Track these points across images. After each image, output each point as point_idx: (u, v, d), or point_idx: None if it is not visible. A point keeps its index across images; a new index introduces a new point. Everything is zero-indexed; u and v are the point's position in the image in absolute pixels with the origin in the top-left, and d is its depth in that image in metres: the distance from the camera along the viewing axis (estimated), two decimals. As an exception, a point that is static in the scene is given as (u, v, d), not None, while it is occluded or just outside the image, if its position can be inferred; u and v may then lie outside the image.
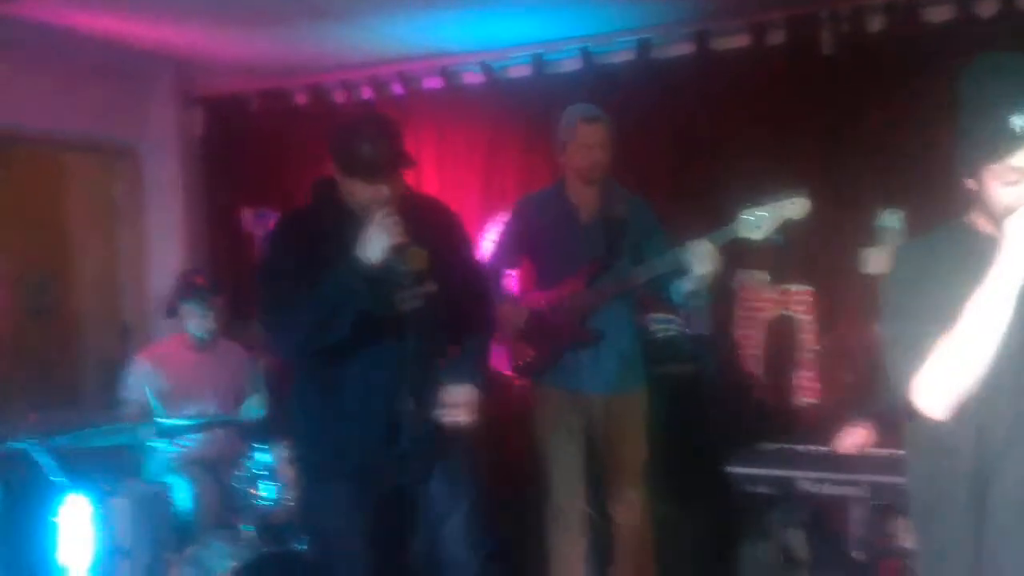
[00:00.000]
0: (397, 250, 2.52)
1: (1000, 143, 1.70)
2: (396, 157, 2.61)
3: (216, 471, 3.84)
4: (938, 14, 4.02)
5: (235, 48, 4.81)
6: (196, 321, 4.09)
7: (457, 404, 2.67)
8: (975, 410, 1.74)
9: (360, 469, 2.69)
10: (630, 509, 3.51)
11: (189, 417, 3.82)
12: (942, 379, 1.72)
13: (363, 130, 2.63)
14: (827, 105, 4.16)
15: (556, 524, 3.53)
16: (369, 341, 2.61)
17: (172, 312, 4.19)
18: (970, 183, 1.81)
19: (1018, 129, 1.67)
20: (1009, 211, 1.70)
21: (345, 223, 2.59)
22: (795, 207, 3.10)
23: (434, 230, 2.71)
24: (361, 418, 2.66)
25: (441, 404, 2.67)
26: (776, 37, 4.29)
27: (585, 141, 3.48)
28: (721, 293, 4.24)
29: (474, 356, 2.85)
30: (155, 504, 3.60)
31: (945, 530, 1.84)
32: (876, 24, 4.12)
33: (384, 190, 2.58)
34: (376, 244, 2.48)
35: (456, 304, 2.73)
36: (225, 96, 5.42)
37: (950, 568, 1.84)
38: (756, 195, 3.18)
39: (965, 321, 1.69)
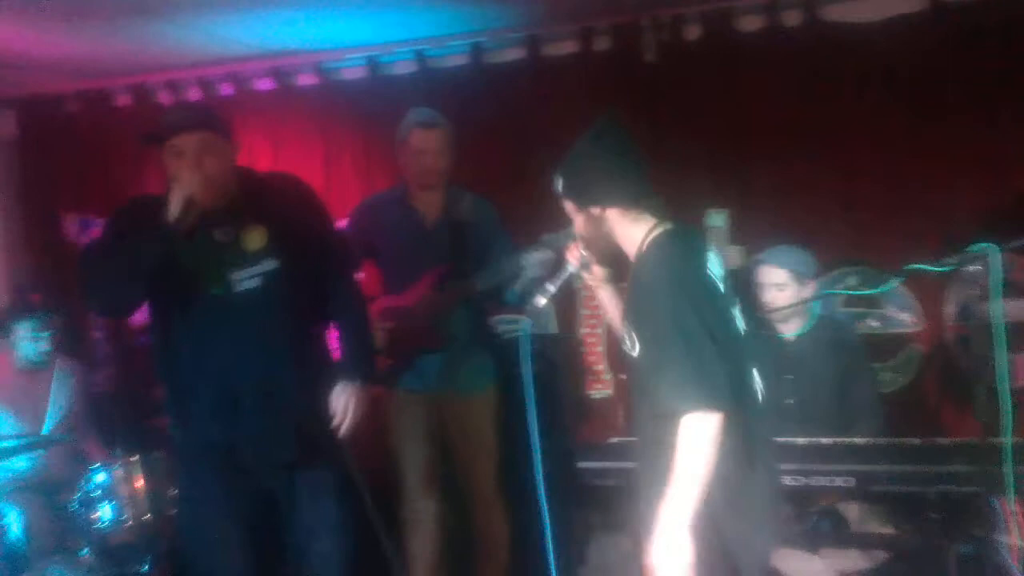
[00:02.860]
0: (222, 223, 2.74)
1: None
2: (186, 114, 2.78)
3: (50, 495, 3.71)
4: (749, 23, 4.29)
5: (49, 46, 4.55)
6: (29, 344, 3.89)
7: (339, 407, 2.84)
8: None
9: (206, 446, 2.80)
10: (485, 508, 3.60)
11: (19, 438, 3.65)
12: None
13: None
14: (652, 109, 4.37)
15: (411, 526, 3.59)
16: (205, 321, 2.73)
17: (2, 329, 3.97)
18: None
19: None
20: None
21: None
22: None
23: (281, 206, 2.83)
24: (200, 397, 2.78)
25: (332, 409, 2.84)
26: (602, 43, 4.47)
27: (419, 147, 3.51)
28: (564, 293, 4.41)
29: (350, 345, 2.99)
30: (-17, 532, 3.43)
31: None
32: (693, 32, 4.36)
33: (180, 146, 2.66)
34: (173, 199, 2.58)
35: (313, 279, 2.89)
36: (40, 97, 5.13)
37: None
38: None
39: None
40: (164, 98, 5.04)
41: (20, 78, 4.98)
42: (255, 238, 2.78)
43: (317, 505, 2.89)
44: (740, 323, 2.30)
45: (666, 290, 2.10)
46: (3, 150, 5.22)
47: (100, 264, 2.71)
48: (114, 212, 2.93)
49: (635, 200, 2.25)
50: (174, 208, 2.56)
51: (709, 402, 2.00)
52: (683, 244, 2.25)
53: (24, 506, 3.63)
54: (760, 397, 2.26)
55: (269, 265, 2.78)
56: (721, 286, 2.27)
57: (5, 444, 3.49)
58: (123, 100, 5.12)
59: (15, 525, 3.57)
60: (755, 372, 2.27)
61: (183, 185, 2.58)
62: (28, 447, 3.65)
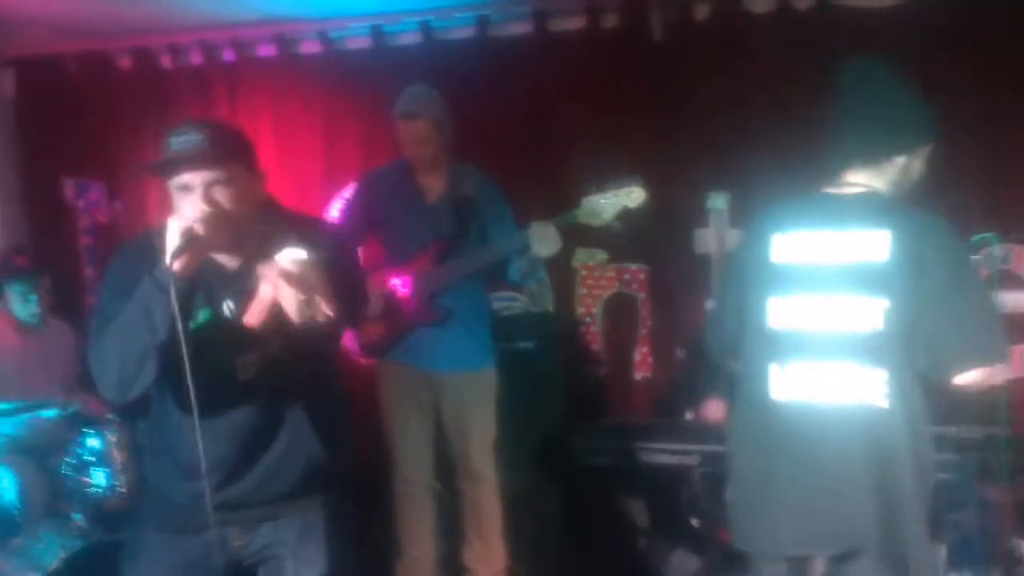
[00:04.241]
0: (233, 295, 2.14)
1: None
2: (199, 141, 2.05)
3: (43, 458, 3.70)
4: (759, 5, 4.26)
5: (51, 5, 4.49)
6: (19, 305, 3.91)
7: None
8: None
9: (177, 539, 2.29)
10: (478, 483, 3.59)
11: (13, 401, 3.65)
12: None
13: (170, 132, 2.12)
14: (658, 89, 4.34)
15: (404, 499, 3.59)
16: (194, 407, 2.04)
17: None
18: None
19: None
20: None
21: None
22: (632, 196, 3.27)
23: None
24: (177, 484, 2.25)
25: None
26: (610, 20, 4.43)
27: (403, 137, 3.49)
28: (562, 271, 4.41)
29: None
30: (-24, 493, 3.44)
31: None
32: (702, 12, 4.32)
33: (188, 182, 2.04)
34: (169, 234, 1.98)
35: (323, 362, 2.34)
36: (40, 57, 5.06)
37: None
38: (595, 177, 3.31)
39: None
40: (165, 61, 4.99)
41: (20, 37, 4.93)
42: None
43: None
44: (775, 318, 2.30)
45: None
46: (3, 111, 5.15)
47: (103, 336, 2.10)
48: (105, 270, 2.33)
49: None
50: (170, 245, 1.97)
51: None
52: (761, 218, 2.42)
53: (17, 469, 3.61)
54: (769, 391, 2.28)
55: (275, 348, 2.18)
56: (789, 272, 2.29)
57: (5, 407, 3.50)
58: (124, 62, 5.06)
59: (8, 488, 3.57)
60: (775, 368, 2.28)
61: (184, 217, 2.01)
62: (23, 410, 3.64)
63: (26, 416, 3.76)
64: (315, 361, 2.24)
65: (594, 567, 3.57)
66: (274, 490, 2.29)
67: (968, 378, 2.15)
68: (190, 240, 1.98)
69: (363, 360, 3.74)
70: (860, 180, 2.30)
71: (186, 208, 2.04)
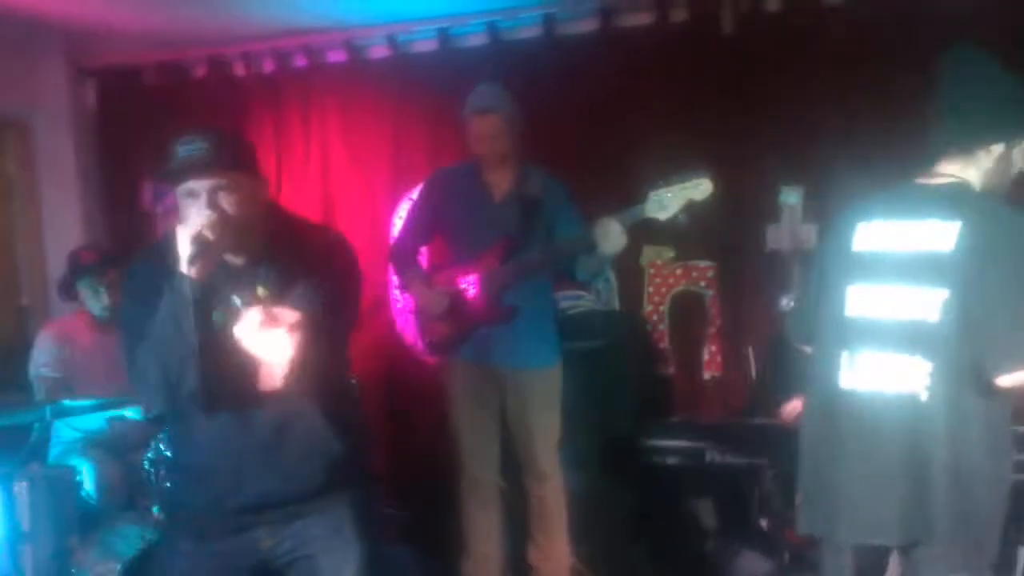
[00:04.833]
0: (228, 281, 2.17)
1: None
2: (203, 150, 2.13)
3: (123, 454, 3.78)
4: (832, -5, 4.15)
5: (129, 18, 4.63)
6: (92, 300, 4.02)
7: None
8: None
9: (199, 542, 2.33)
10: (543, 481, 3.58)
11: (93, 397, 3.75)
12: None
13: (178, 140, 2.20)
14: (729, 83, 4.26)
15: (470, 496, 3.60)
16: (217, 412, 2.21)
17: (67, 293, 4.10)
18: None
19: None
20: None
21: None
22: (700, 188, 3.21)
23: (304, 264, 2.24)
24: (202, 489, 2.31)
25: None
26: (679, 15, 4.37)
27: (476, 132, 3.50)
28: (629, 269, 4.36)
29: None
30: (59, 487, 3.48)
31: None
32: (774, 4, 4.24)
33: (194, 188, 2.13)
34: (180, 242, 2.06)
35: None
36: (119, 67, 5.22)
37: None
38: (662, 173, 3.26)
39: None
40: (239, 69, 5.10)
41: (100, 49, 5.09)
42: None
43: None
44: (851, 305, 2.29)
45: None
46: (86, 119, 5.32)
47: (139, 354, 2.17)
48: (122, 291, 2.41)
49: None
50: (183, 252, 2.05)
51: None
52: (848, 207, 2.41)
53: (99, 463, 3.73)
54: (839, 380, 2.27)
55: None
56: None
57: (82, 404, 3.59)
58: (199, 71, 5.18)
59: (88, 481, 3.67)
60: (846, 356, 2.27)
61: (192, 224, 2.08)
62: (105, 407, 3.74)
63: (108, 413, 3.87)
64: (326, 358, 2.24)
65: (661, 567, 3.52)
66: (298, 488, 2.31)
67: (1014, 380, 2.05)
68: (202, 245, 2.06)
69: (429, 358, 3.76)
70: (952, 171, 2.26)
71: (193, 215, 2.13)
